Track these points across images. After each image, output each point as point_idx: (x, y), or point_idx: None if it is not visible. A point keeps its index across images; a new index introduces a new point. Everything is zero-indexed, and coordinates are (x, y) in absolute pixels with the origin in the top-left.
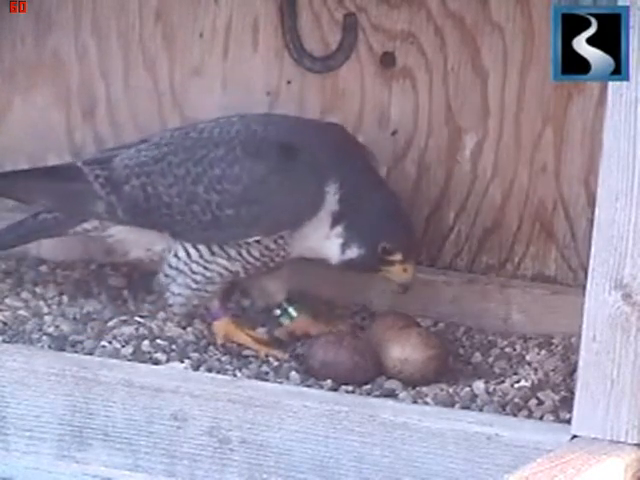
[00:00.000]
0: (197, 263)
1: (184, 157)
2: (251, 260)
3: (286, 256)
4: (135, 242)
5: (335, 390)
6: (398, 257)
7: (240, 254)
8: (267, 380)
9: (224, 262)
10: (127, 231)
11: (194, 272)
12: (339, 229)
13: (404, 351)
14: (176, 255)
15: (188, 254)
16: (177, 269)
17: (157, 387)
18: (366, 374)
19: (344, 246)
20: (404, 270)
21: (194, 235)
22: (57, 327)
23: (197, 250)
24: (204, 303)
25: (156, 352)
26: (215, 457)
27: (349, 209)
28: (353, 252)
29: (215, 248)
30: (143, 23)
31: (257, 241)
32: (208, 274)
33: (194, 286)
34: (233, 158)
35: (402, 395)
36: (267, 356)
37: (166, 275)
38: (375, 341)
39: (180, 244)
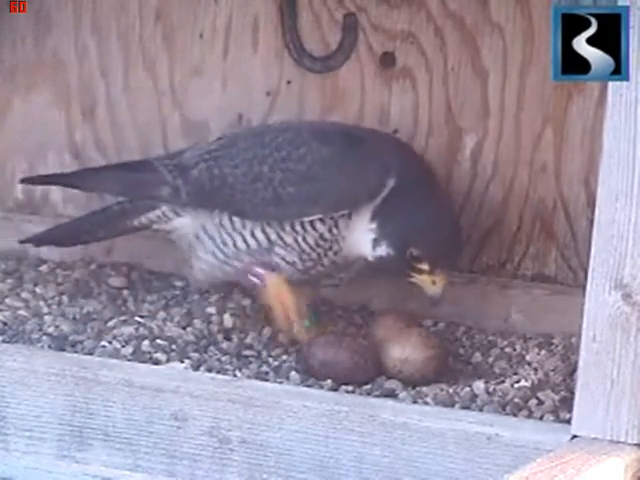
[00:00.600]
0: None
1: (253, 142)
2: (307, 249)
3: (338, 251)
4: None
5: (335, 390)
6: (425, 267)
7: (296, 241)
8: (267, 380)
9: (281, 251)
10: (188, 226)
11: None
12: (374, 225)
13: (404, 351)
14: (235, 245)
15: (247, 245)
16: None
17: (157, 387)
18: (366, 374)
19: (375, 242)
20: (433, 282)
21: (254, 212)
22: (57, 327)
23: (255, 239)
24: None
25: (156, 352)
26: (215, 457)
27: (389, 207)
28: (383, 250)
29: (273, 236)
30: (143, 23)
31: (313, 227)
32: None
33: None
34: (300, 141)
35: (402, 395)
36: (295, 332)
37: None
38: (375, 341)
39: (239, 233)
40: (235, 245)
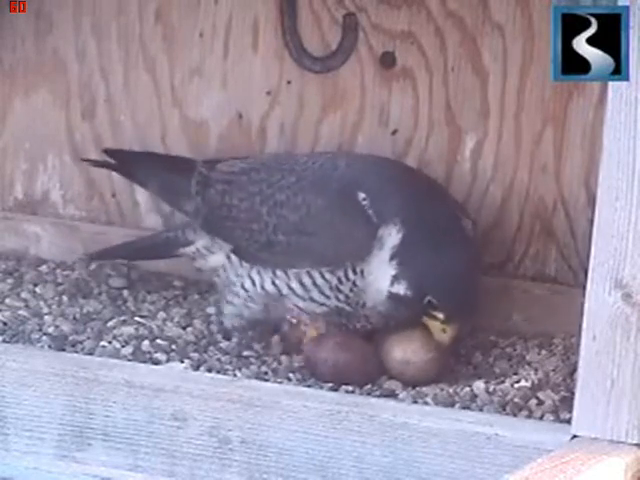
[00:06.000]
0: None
1: (262, 177)
2: (317, 298)
3: (359, 301)
4: None
5: (335, 390)
6: (440, 315)
7: (302, 286)
8: (267, 380)
9: (292, 297)
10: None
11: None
12: (394, 262)
13: (406, 353)
14: (250, 282)
15: (253, 282)
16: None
17: (157, 387)
18: (370, 376)
19: (394, 278)
20: (443, 330)
21: (247, 254)
22: (57, 327)
23: (254, 283)
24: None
25: (156, 352)
26: (215, 457)
27: (409, 248)
28: (401, 289)
29: (278, 282)
30: (143, 23)
31: (311, 277)
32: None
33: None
34: (299, 188)
35: (402, 395)
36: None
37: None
38: (377, 343)
39: (243, 274)
40: (243, 287)
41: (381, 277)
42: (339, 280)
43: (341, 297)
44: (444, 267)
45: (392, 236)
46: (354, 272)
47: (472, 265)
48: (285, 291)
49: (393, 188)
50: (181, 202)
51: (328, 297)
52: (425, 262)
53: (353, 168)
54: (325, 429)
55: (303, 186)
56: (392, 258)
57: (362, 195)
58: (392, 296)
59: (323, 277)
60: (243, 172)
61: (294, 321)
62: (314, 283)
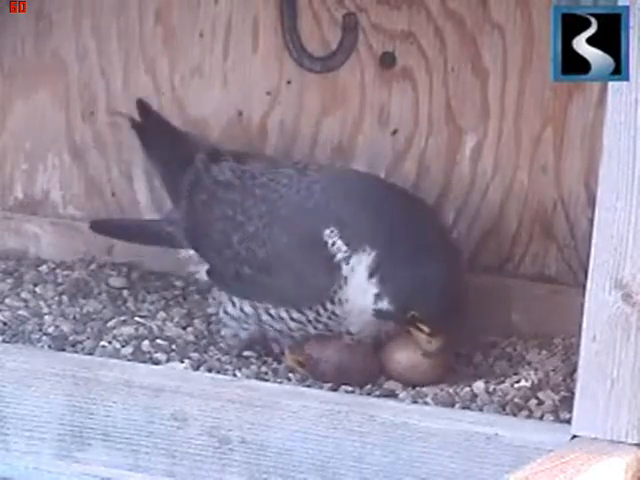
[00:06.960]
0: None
1: (237, 198)
2: (294, 327)
3: (341, 329)
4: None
5: (335, 390)
6: (425, 328)
7: (274, 317)
8: (267, 380)
9: (268, 320)
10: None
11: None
12: (374, 280)
13: (406, 354)
14: (231, 305)
15: (233, 304)
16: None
17: (157, 387)
18: (370, 376)
19: (377, 296)
20: (428, 342)
21: (216, 278)
22: (57, 327)
23: (233, 307)
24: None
25: (156, 352)
26: (215, 457)
27: (387, 265)
28: (384, 305)
29: (247, 308)
30: (143, 23)
31: (287, 312)
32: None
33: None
34: (268, 220)
35: (402, 395)
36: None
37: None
38: (377, 344)
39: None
40: (225, 311)
41: (362, 298)
42: (317, 312)
43: (320, 327)
44: (426, 280)
45: (363, 261)
46: (332, 302)
47: (455, 274)
48: (264, 317)
49: (366, 212)
50: (175, 202)
51: (305, 325)
52: (406, 276)
53: (327, 194)
54: (325, 429)
55: (273, 218)
56: (371, 276)
57: (327, 232)
58: (377, 313)
59: (300, 312)
60: (228, 185)
61: (277, 350)
62: (291, 317)
